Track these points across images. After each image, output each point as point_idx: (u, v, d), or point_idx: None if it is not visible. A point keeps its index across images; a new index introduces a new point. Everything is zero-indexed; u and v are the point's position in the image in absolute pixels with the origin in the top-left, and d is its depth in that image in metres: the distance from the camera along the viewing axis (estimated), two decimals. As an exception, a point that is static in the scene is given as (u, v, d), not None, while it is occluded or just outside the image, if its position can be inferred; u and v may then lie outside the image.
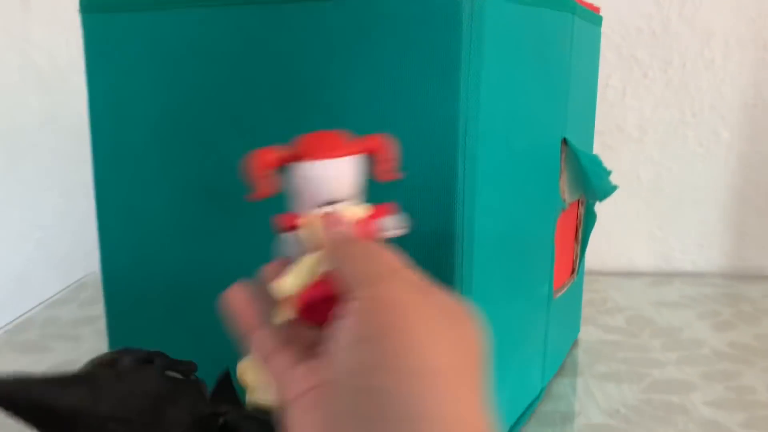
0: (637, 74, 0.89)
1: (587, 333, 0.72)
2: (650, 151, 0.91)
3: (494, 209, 0.43)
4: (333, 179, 0.31)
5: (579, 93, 0.58)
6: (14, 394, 0.33)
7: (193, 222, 0.50)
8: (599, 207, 0.64)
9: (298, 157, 0.31)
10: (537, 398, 0.56)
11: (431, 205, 0.40)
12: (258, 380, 0.33)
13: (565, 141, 0.54)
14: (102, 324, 0.73)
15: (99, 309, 0.78)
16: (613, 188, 0.57)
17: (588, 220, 0.64)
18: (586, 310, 0.76)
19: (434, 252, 0.40)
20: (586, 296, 0.74)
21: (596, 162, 0.56)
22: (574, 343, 0.69)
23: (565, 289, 0.61)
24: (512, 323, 0.48)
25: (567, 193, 0.56)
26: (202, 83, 0.47)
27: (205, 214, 0.49)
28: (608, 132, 0.91)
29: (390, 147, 0.33)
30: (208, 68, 0.46)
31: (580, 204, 0.63)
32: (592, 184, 0.55)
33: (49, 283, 0.93)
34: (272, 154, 0.31)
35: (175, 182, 0.50)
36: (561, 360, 0.64)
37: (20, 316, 0.78)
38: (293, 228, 0.31)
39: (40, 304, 0.82)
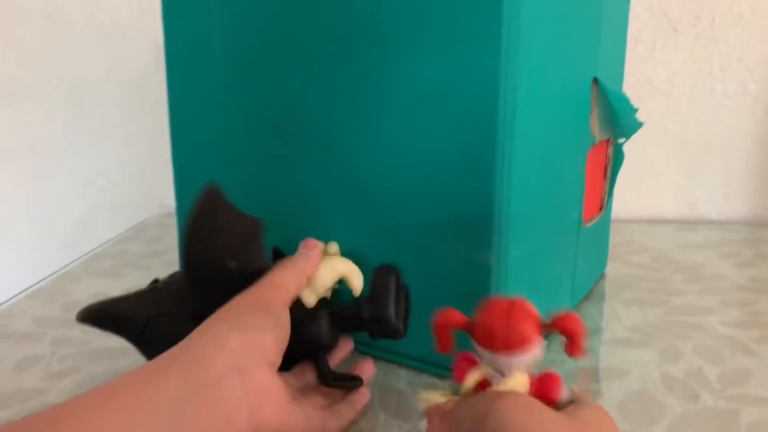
0: (667, 29, 0.93)
1: (613, 268, 0.78)
2: (678, 104, 0.95)
3: (532, 135, 0.48)
4: (515, 364, 0.34)
5: (610, 37, 0.62)
6: (92, 312, 0.48)
7: (261, 156, 0.56)
8: (628, 158, 0.69)
9: (484, 342, 0.34)
10: (566, 317, 0.62)
11: (475, 128, 0.46)
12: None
13: (595, 80, 0.59)
14: (169, 256, 0.81)
15: (164, 244, 0.86)
16: (639, 124, 0.62)
17: (616, 160, 0.69)
18: (613, 251, 0.81)
19: (476, 172, 0.46)
20: (613, 240, 0.79)
21: (624, 100, 0.61)
22: (601, 276, 0.75)
23: (594, 221, 0.67)
24: (545, 242, 0.54)
25: (597, 130, 0.61)
26: (269, 22, 0.52)
27: (272, 148, 0.55)
28: (638, 85, 0.95)
29: (581, 328, 0.34)
30: (274, 7, 0.52)
31: (609, 144, 0.68)
32: (619, 120, 0.60)
33: (113, 225, 1.01)
34: (455, 318, 0.36)
35: (245, 118, 0.56)
36: (589, 287, 0.70)
37: (93, 249, 0.85)
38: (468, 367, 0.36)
39: (109, 240, 0.90)
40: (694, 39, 0.93)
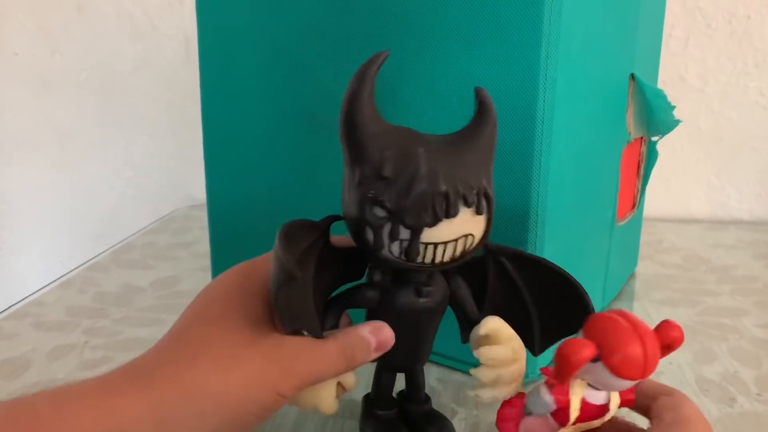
0: (700, 24, 0.92)
1: (644, 267, 0.77)
2: (711, 101, 0.94)
3: (569, 131, 0.47)
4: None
5: (646, 32, 0.61)
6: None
7: (294, 147, 0.56)
8: (659, 154, 0.68)
9: (619, 371, 0.32)
10: (597, 315, 0.61)
11: (513, 122, 0.45)
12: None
13: (632, 76, 0.58)
14: (197, 248, 0.82)
15: (192, 236, 0.87)
16: (676, 122, 0.61)
17: (650, 158, 0.68)
18: (642, 249, 0.80)
19: (512, 166, 0.45)
20: (643, 238, 0.78)
21: (661, 96, 0.60)
22: (631, 276, 0.74)
23: (626, 220, 0.66)
24: (580, 239, 0.53)
25: (633, 126, 0.60)
26: (303, 12, 0.52)
27: (305, 138, 0.55)
28: (670, 81, 0.93)
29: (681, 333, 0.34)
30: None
31: (643, 142, 0.67)
32: (656, 117, 0.59)
33: (140, 217, 1.01)
34: (588, 352, 0.32)
35: (277, 109, 0.56)
36: (620, 287, 0.69)
37: (122, 241, 0.86)
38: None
39: (137, 232, 0.90)
40: (728, 36, 0.92)
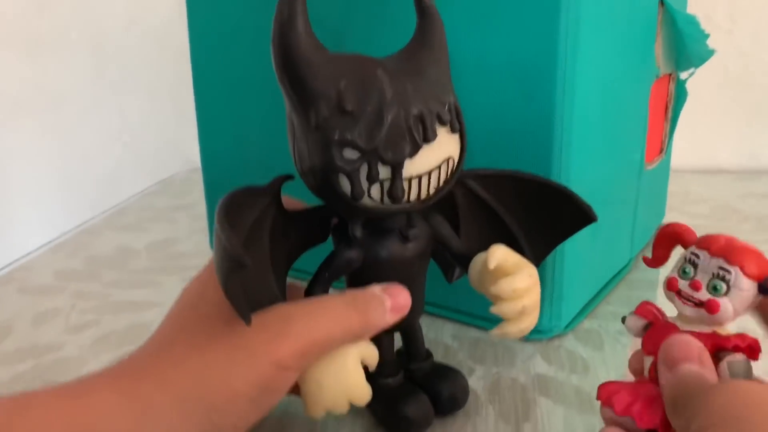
0: (729, -40, 0.85)
1: (671, 218, 0.71)
2: (740, 42, 0.88)
3: (594, 58, 0.42)
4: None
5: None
6: None
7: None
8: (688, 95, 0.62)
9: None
10: (625, 267, 0.57)
11: (537, 41, 0.40)
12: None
13: (662, 2, 0.52)
14: (195, 210, 0.77)
15: (190, 198, 0.82)
16: (710, 52, 0.55)
17: (678, 97, 0.63)
18: (669, 201, 0.75)
19: (535, 91, 0.41)
20: (669, 190, 0.73)
21: (694, 23, 0.54)
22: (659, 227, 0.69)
23: (655, 164, 0.61)
24: (606, 180, 0.48)
25: (662, 59, 0.55)
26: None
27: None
28: (696, 23, 0.87)
29: None
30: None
31: (671, 80, 0.62)
32: (688, 47, 0.54)
33: (139, 181, 0.97)
34: (689, 235, 0.31)
35: (269, 62, 0.51)
36: (648, 237, 0.64)
37: (117, 205, 0.82)
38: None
39: (133, 196, 0.86)
40: (759, -30, 0.85)
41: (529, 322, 0.34)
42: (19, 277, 0.60)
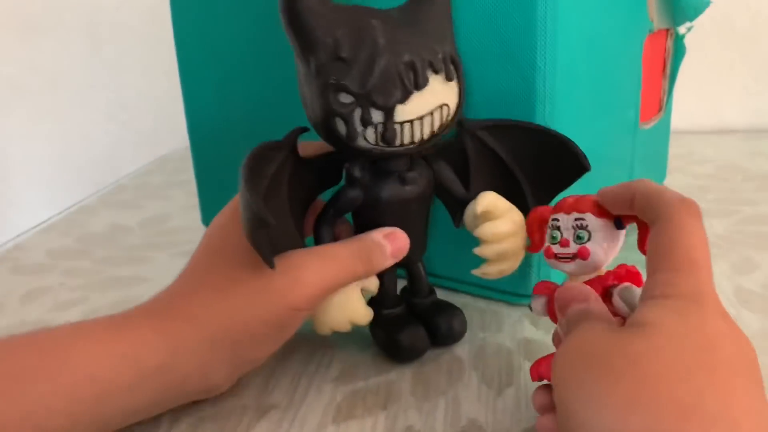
0: None
1: (674, 180, 0.70)
2: (746, -4, 0.85)
3: (577, 11, 0.41)
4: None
5: None
6: None
7: (270, 64, 0.50)
8: (687, 59, 0.60)
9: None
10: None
11: (512, 8, 0.38)
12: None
13: (653, -48, 0.50)
14: (190, 186, 0.76)
15: (186, 175, 0.81)
16: (706, 3, 0.53)
17: (677, 53, 0.61)
18: (672, 162, 0.73)
19: (516, 52, 0.39)
20: (672, 151, 0.71)
21: (688, -27, 0.52)
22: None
23: (652, 124, 0.59)
24: (597, 140, 0.47)
25: (655, 13, 0.53)
26: None
27: (281, 54, 0.49)
28: (699, -23, 0.84)
29: None
30: None
31: (668, 35, 0.60)
32: (682, -1, 0.51)
33: (137, 159, 0.97)
34: (548, 211, 0.34)
35: (253, 40, 0.50)
36: (646, 199, 0.62)
37: (113, 183, 0.82)
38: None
39: (129, 174, 0.86)
40: None
41: (509, 265, 0.37)
42: (13, 257, 0.60)
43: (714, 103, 0.90)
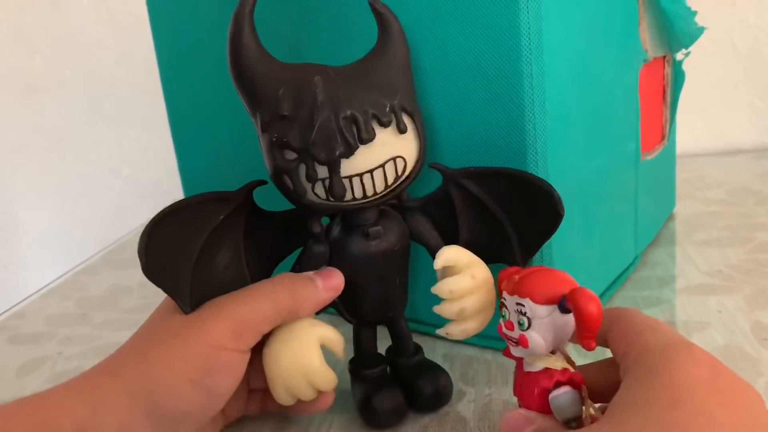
0: (725, -72, 0.81)
1: (684, 207, 0.68)
2: (745, 14, 0.83)
3: (565, 47, 0.40)
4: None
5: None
6: None
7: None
8: (690, 82, 0.59)
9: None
10: (631, 265, 0.53)
11: (496, 33, 0.37)
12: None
13: (642, -18, 0.49)
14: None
15: (187, 228, 0.81)
16: (700, 30, 0.52)
17: (676, 80, 0.59)
18: (681, 188, 0.72)
19: (501, 91, 0.38)
20: (680, 176, 0.69)
21: (678, 1, 0.51)
22: (670, 217, 0.65)
23: (655, 154, 0.57)
24: (596, 176, 0.45)
25: (649, 43, 0.51)
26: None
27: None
28: (696, -2, 0.83)
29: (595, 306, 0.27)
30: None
31: (666, 62, 0.58)
32: (675, 27, 0.50)
33: (143, 214, 0.96)
34: (501, 281, 0.32)
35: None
36: (656, 231, 0.60)
37: (115, 242, 0.81)
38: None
39: (133, 230, 0.85)
40: (758, -63, 0.81)
41: (474, 324, 0.35)
42: (12, 326, 0.59)
43: (720, 123, 0.88)
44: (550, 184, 0.35)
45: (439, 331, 0.35)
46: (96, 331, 0.55)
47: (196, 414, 0.31)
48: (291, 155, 0.32)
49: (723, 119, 0.88)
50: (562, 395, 0.28)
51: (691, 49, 0.56)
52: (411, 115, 0.33)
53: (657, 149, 0.58)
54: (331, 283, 0.34)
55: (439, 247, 0.36)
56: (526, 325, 0.29)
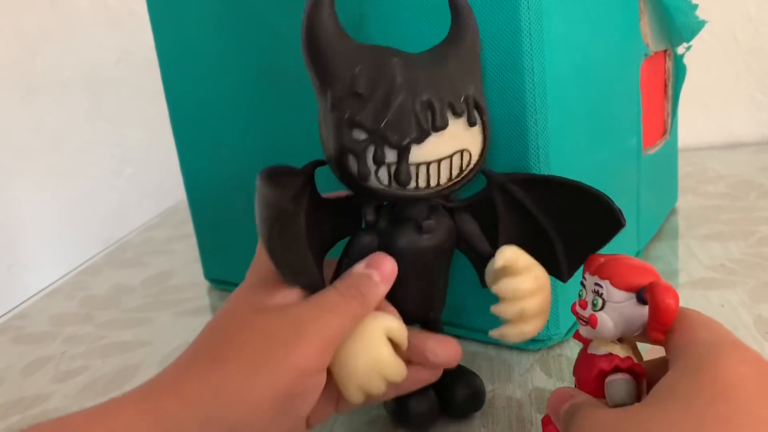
0: None
1: (686, 201, 0.68)
2: (746, 7, 0.83)
3: (566, 42, 0.39)
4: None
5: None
6: None
7: (259, 102, 0.50)
8: (692, 77, 0.58)
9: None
10: (633, 260, 0.53)
11: (497, 29, 0.37)
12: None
13: (642, -24, 0.49)
14: (193, 239, 0.76)
15: (190, 228, 0.81)
16: (701, 23, 0.52)
17: (677, 74, 0.59)
18: (683, 182, 0.72)
19: (504, 86, 0.38)
20: (682, 170, 0.69)
21: (679, -5, 0.51)
22: (672, 211, 0.65)
23: (657, 148, 0.57)
24: (597, 172, 0.45)
25: (650, 37, 0.51)
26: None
27: (269, 93, 0.49)
28: (696, -8, 0.83)
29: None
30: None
31: (667, 56, 0.58)
32: (676, 21, 0.50)
33: (144, 214, 0.97)
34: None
35: (238, 65, 0.50)
36: (658, 225, 0.60)
37: (117, 241, 0.81)
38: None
39: (135, 230, 0.85)
40: (758, -70, 0.81)
41: (531, 327, 0.34)
42: (16, 326, 0.59)
43: (722, 117, 0.88)
44: (605, 194, 0.34)
45: (492, 333, 0.34)
46: (100, 331, 0.55)
47: None
48: (361, 135, 0.30)
49: (725, 113, 0.88)
50: (618, 381, 0.28)
51: (692, 43, 0.55)
52: (480, 111, 0.32)
53: (659, 144, 0.58)
54: (385, 270, 0.32)
55: (486, 250, 0.35)
56: (600, 305, 0.29)
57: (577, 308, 0.30)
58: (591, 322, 0.29)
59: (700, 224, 0.61)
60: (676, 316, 0.27)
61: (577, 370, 0.31)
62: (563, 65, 0.39)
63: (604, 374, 0.28)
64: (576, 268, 0.35)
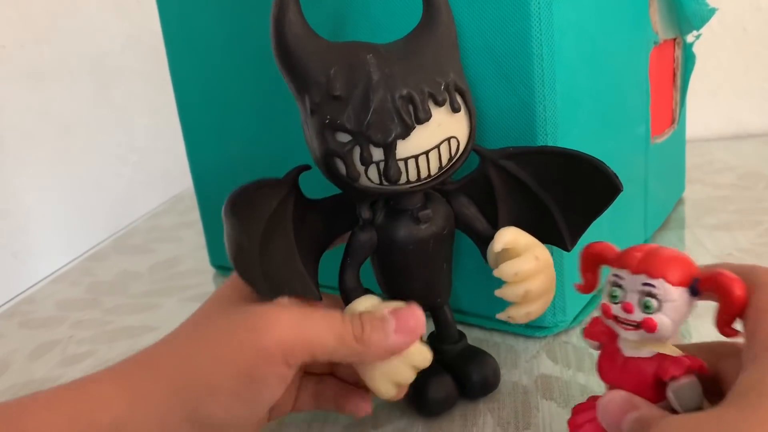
0: None
1: (693, 191, 0.67)
2: (756, -2, 0.83)
3: (575, 27, 0.39)
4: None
5: None
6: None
7: (267, 99, 0.50)
8: (700, 68, 0.58)
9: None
10: (640, 249, 0.53)
11: (506, 12, 0.37)
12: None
13: (652, -37, 0.49)
14: (200, 226, 0.76)
15: (197, 215, 0.81)
16: (711, 11, 0.51)
17: (687, 63, 0.59)
18: (691, 173, 0.71)
19: (511, 71, 0.38)
20: (690, 161, 0.69)
21: (690, -17, 0.51)
22: (679, 201, 0.65)
23: (665, 137, 0.57)
24: (606, 160, 0.45)
25: (659, 24, 0.51)
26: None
27: (279, 86, 0.49)
28: (706, -18, 0.82)
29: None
30: None
31: (676, 45, 0.58)
32: (685, 8, 0.50)
33: (151, 201, 0.97)
34: (609, 252, 0.29)
35: (246, 67, 0.50)
36: (665, 214, 0.60)
37: (125, 227, 0.81)
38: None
39: (141, 217, 0.86)
40: None
41: (537, 307, 0.34)
42: (23, 311, 0.59)
43: (730, 108, 0.87)
44: (599, 159, 0.33)
45: (500, 316, 0.34)
46: (107, 316, 0.56)
47: (234, 422, 0.29)
48: (344, 137, 0.30)
49: (733, 103, 0.87)
50: (688, 384, 0.26)
51: (701, 32, 0.55)
52: (462, 94, 0.32)
53: (667, 133, 0.58)
54: (407, 324, 0.31)
55: (486, 230, 0.35)
56: (656, 306, 0.26)
57: (617, 311, 0.27)
58: (648, 327, 0.26)
59: (707, 214, 0.61)
60: (748, 305, 0.25)
61: (615, 377, 0.28)
62: (572, 51, 0.39)
63: (672, 379, 0.26)
64: (578, 236, 0.35)
